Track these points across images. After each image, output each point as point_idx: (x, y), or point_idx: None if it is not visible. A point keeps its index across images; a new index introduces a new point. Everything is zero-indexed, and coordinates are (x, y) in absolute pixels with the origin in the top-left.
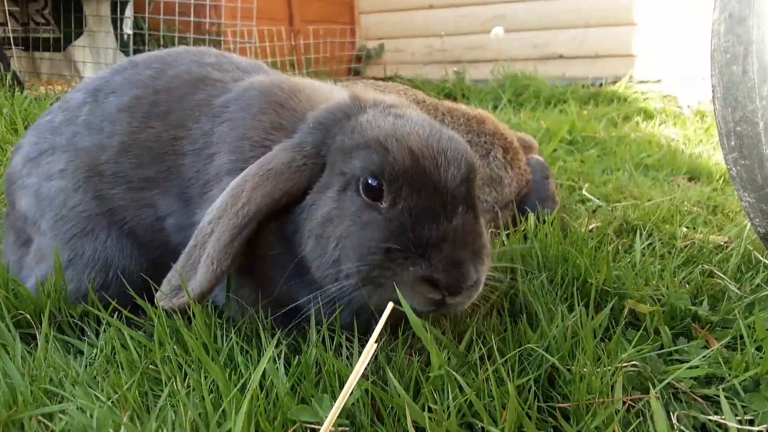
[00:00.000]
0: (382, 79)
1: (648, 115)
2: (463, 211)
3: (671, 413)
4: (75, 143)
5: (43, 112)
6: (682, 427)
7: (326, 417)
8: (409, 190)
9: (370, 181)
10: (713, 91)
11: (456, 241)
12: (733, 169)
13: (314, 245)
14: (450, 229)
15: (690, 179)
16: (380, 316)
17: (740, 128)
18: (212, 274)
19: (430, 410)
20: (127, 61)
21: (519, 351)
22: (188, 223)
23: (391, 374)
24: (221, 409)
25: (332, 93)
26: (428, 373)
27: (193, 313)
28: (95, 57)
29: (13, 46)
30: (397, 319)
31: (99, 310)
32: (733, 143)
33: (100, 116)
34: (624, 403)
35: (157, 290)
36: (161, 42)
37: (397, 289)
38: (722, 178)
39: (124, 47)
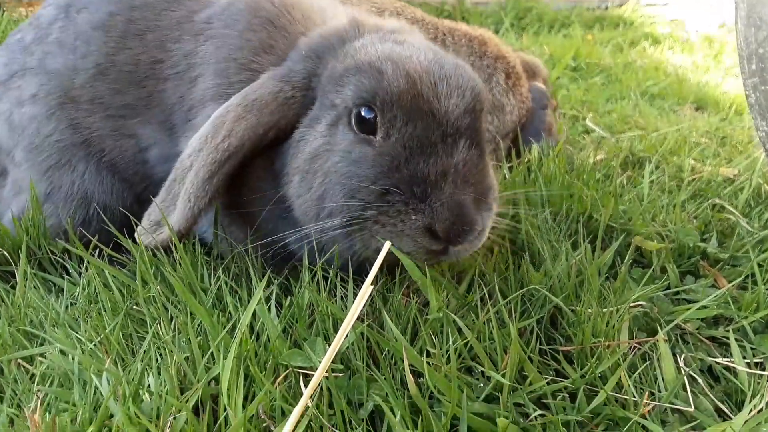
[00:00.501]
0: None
1: (655, 41)
2: (466, 146)
3: (678, 356)
4: (46, 64)
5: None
6: (689, 371)
7: (320, 362)
8: (404, 120)
9: (363, 113)
10: (736, 8)
11: (458, 180)
12: (752, 95)
13: (299, 182)
14: (451, 165)
15: (697, 109)
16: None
17: (763, 50)
18: (189, 211)
19: (428, 354)
20: None
21: (521, 292)
22: (172, 153)
23: (387, 317)
24: (209, 353)
25: (329, 10)
26: (426, 315)
27: (177, 250)
28: None
29: None
30: (394, 259)
31: (80, 248)
32: (754, 67)
33: (72, 34)
34: (630, 345)
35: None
36: None
37: (394, 239)
38: (731, 107)
39: None
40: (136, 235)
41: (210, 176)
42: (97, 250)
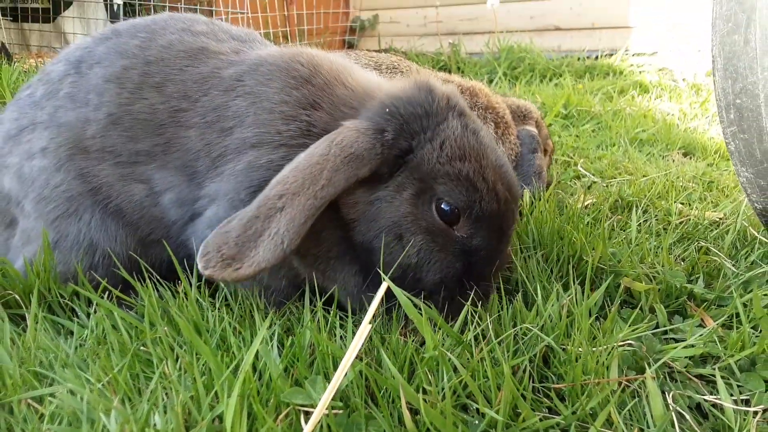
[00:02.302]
0: (376, 52)
1: (643, 89)
2: (508, 248)
3: (666, 393)
4: (57, 118)
5: (22, 86)
6: (677, 408)
7: (320, 399)
8: (487, 233)
9: (451, 210)
10: (713, 62)
11: (496, 276)
12: (732, 143)
13: (389, 241)
14: (499, 265)
15: (685, 154)
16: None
17: (740, 101)
18: (280, 252)
19: (424, 391)
20: (109, 30)
21: (514, 331)
22: (191, 197)
23: (385, 355)
24: (213, 392)
25: (351, 68)
26: (423, 353)
27: (184, 292)
28: (85, 28)
29: (0, 17)
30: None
31: (89, 292)
32: (732, 116)
33: (84, 89)
34: (619, 383)
35: (146, 269)
36: (153, 12)
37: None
38: (717, 153)
39: (114, 19)
40: (199, 268)
41: (305, 221)
42: (106, 292)
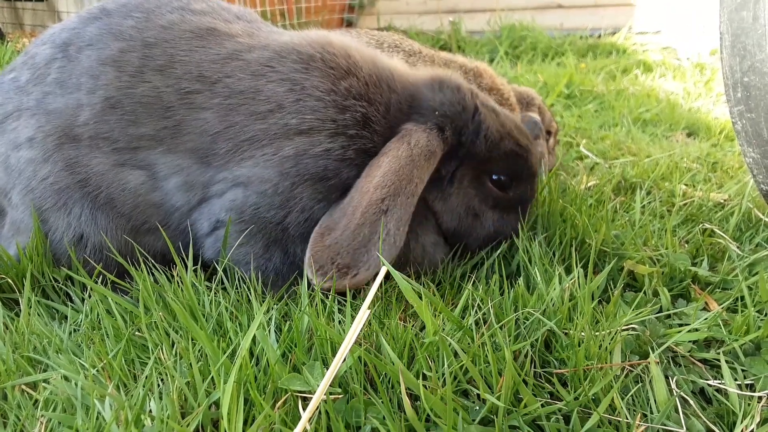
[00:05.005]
0: (377, 30)
1: (647, 68)
2: None
3: (670, 378)
4: (46, 105)
5: (4, 69)
6: (681, 393)
7: (318, 385)
8: (530, 184)
9: (505, 180)
10: (721, 39)
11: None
12: (738, 122)
13: (470, 222)
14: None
15: (689, 135)
16: None
17: (748, 79)
18: (395, 250)
19: (424, 377)
20: (96, 9)
21: (515, 315)
22: (202, 180)
23: (384, 340)
24: (209, 378)
25: (381, 59)
26: (423, 338)
27: (180, 277)
28: (79, 7)
29: None
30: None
31: (84, 276)
32: (739, 95)
33: (76, 73)
34: (622, 368)
35: (142, 254)
36: None
37: None
38: (722, 133)
39: None
40: (314, 284)
41: (408, 218)
42: (100, 277)
